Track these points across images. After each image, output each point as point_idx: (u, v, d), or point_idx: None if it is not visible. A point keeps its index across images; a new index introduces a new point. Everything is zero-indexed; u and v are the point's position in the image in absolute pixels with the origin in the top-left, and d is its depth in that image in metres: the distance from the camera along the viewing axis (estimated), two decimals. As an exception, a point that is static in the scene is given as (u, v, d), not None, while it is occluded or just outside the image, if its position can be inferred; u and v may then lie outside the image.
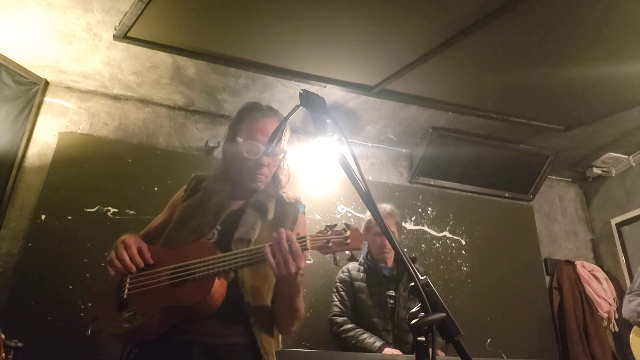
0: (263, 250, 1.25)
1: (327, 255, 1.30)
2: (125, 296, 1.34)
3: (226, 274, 1.30)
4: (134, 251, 1.37)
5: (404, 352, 2.46)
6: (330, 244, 1.26)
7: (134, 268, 1.35)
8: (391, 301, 2.71)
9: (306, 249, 1.27)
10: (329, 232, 1.28)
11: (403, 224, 3.67)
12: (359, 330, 2.59)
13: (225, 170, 1.59)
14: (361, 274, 2.81)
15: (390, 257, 2.84)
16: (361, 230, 3.03)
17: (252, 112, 1.59)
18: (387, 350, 2.43)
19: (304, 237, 1.27)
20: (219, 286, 1.28)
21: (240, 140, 1.52)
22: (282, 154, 1.58)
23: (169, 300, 1.28)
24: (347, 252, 1.29)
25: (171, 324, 1.30)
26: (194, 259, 1.30)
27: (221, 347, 1.30)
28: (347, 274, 2.84)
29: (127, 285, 1.36)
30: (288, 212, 1.56)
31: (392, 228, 2.88)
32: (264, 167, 1.52)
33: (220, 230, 1.44)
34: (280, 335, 1.49)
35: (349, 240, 1.26)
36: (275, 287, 1.44)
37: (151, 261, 1.38)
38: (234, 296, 1.33)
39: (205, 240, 1.39)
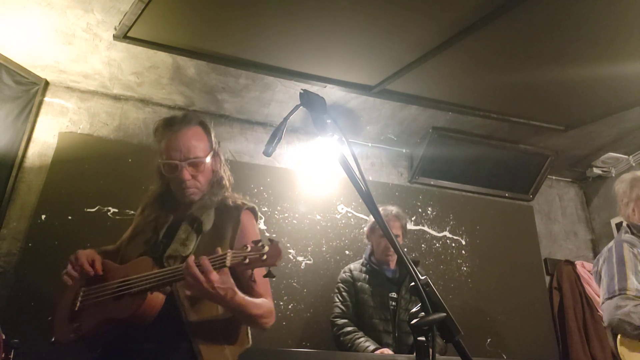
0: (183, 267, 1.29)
1: (263, 269, 1.26)
2: (76, 308, 1.46)
3: (159, 289, 1.36)
4: (83, 260, 1.48)
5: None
6: (247, 261, 1.23)
7: (77, 275, 1.47)
8: (393, 303, 2.71)
9: (224, 265, 1.26)
10: (248, 249, 1.25)
11: (403, 224, 3.67)
12: (357, 334, 2.58)
13: (162, 185, 1.66)
14: (363, 275, 2.81)
15: (393, 259, 2.82)
16: (365, 232, 3.06)
17: (163, 130, 1.63)
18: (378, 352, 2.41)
19: (225, 253, 1.27)
20: (152, 300, 1.35)
21: (159, 160, 1.60)
22: (213, 157, 1.62)
23: (108, 313, 1.38)
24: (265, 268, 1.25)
25: (113, 334, 1.40)
26: (134, 274, 1.39)
27: (160, 357, 1.37)
28: (349, 274, 2.84)
29: (80, 298, 1.47)
30: (229, 218, 1.56)
31: (398, 231, 2.88)
32: (187, 181, 1.54)
33: (161, 245, 1.51)
34: (249, 334, 1.55)
35: (265, 257, 1.22)
36: None
37: (100, 272, 1.48)
38: (172, 309, 1.39)
39: (147, 256, 1.47)
